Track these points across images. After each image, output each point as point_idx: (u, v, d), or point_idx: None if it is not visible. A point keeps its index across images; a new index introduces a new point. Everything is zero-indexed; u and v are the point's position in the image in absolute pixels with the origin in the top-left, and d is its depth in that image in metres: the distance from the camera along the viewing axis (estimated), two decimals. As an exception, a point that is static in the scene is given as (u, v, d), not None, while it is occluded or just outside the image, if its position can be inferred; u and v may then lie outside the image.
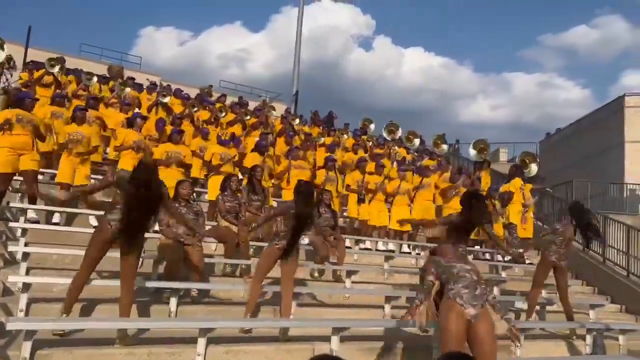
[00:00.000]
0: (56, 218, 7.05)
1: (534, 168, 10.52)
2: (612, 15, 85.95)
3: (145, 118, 8.85)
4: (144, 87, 12.94)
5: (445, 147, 13.58)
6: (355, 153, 11.53)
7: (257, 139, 10.20)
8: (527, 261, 10.03)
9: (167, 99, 10.86)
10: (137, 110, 10.08)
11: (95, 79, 10.97)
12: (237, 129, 10.97)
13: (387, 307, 6.38)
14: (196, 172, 9.45)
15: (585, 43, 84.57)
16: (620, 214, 13.39)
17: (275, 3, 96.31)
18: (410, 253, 9.29)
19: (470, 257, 4.19)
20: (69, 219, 7.20)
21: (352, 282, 7.19)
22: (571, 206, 7.10)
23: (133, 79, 13.17)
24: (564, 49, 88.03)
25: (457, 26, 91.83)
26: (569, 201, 12.20)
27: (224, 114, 11.63)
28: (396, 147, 13.27)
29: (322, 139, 12.50)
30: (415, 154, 14.68)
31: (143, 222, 4.33)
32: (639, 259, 9.92)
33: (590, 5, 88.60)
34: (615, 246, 10.38)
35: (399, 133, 13.60)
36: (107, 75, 13.14)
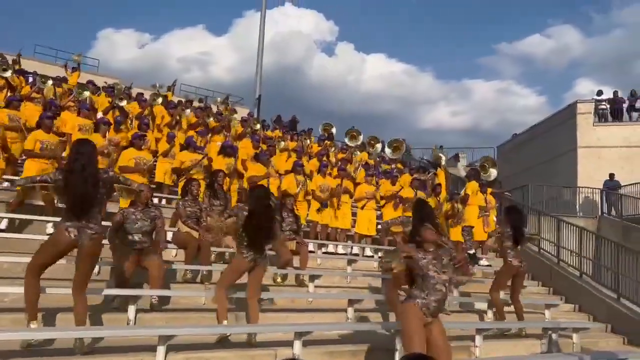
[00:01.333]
0: (3, 224, 6.81)
1: (493, 172, 10.78)
2: (564, 25, 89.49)
3: (109, 123, 8.57)
4: (101, 89, 12.62)
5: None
6: (319, 160, 11.50)
7: (219, 143, 10.06)
8: (485, 263, 10.28)
9: (123, 102, 10.60)
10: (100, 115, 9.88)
11: (50, 82, 10.62)
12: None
13: (350, 311, 6.42)
14: (160, 176, 9.27)
15: (541, 52, 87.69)
16: (573, 217, 13.91)
17: (238, 7, 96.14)
18: (373, 256, 9.37)
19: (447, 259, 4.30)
20: (21, 226, 6.94)
21: (316, 287, 7.19)
22: (510, 209, 7.62)
23: (92, 82, 12.84)
24: (521, 57, 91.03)
25: (419, 34, 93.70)
26: (520, 204, 12.63)
27: (188, 111, 11.46)
28: (358, 152, 13.38)
29: (283, 142, 12.47)
30: (377, 158, 14.85)
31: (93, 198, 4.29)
32: (590, 259, 10.29)
33: (543, 16, 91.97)
34: (569, 248, 10.74)
35: (361, 138, 13.71)
36: (61, 77, 12.81)
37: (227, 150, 9.12)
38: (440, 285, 4.12)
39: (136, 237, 5.67)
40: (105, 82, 15.53)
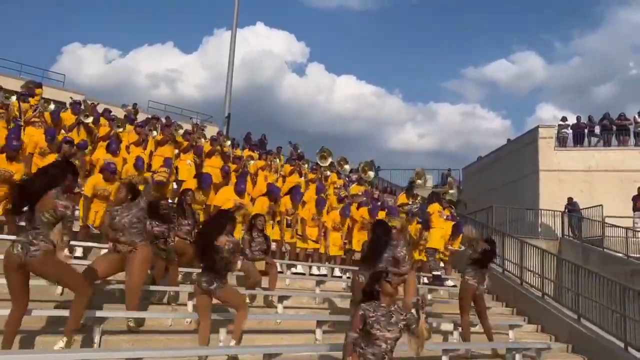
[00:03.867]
0: None
1: (453, 193, 11.00)
2: (527, 52, 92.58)
3: (72, 143, 8.32)
4: (67, 105, 12.35)
5: (372, 173, 13.87)
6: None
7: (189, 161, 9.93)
8: (451, 283, 10.43)
9: (89, 119, 10.37)
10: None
11: (14, 97, 10.33)
12: (167, 150, 10.60)
13: (319, 332, 6.41)
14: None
15: (505, 77, 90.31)
16: (536, 239, 14.27)
17: (208, 25, 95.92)
18: (341, 277, 9.38)
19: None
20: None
21: (284, 308, 7.16)
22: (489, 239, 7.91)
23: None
24: (486, 81, 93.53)
25: (388, 57, 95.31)
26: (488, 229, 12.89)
27: (155, 132, 11.27)
28: (328, 172, 13.44)
29: (252, 161, 12.40)
30: (346, 179, 14.96)
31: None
32: (552, 280, 10.56)
33: (508, 42, 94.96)
34: (531, 269, 10.99)
35: (330, 159, 13.78)
36: (26, 92, 12.47)
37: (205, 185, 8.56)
38: (380, 341, 4.05)
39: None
40: (71, 98, 15.22)
